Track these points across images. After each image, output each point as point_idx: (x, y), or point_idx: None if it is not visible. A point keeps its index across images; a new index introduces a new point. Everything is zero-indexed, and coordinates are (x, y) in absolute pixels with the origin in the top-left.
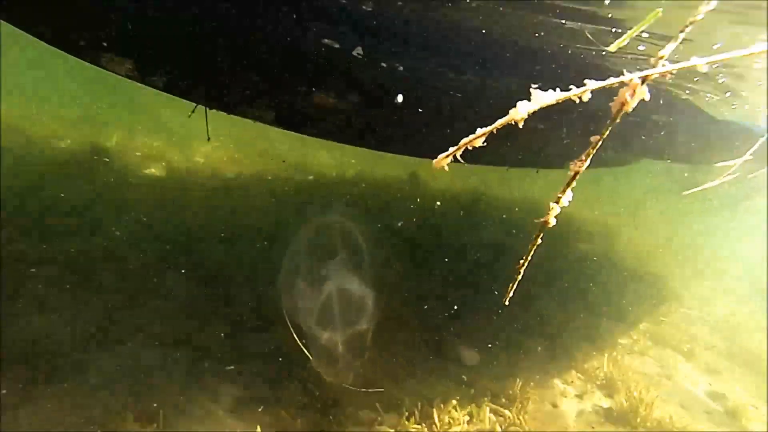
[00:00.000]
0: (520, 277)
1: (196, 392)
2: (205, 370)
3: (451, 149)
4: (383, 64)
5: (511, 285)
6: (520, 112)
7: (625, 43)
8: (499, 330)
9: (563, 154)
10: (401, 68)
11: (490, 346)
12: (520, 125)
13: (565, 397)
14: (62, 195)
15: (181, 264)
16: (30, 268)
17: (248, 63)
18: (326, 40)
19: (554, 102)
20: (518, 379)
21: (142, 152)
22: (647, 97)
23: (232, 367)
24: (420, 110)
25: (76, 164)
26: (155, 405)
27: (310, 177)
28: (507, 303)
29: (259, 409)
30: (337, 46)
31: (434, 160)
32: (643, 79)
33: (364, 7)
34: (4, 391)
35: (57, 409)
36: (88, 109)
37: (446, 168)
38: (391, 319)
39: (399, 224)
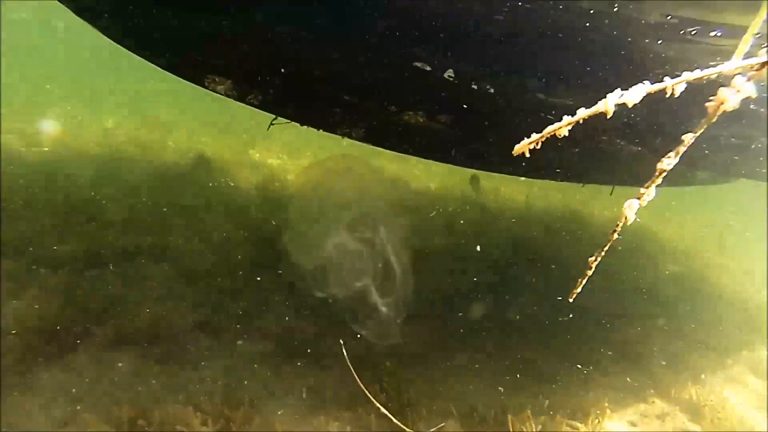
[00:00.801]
0: (590, 273)
1: (280, 385)
2: (290, 366)
3: (535, 136)
4: (474, 86)
5: (579, 281)
6: (609, 104)
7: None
8: (579, 347)
9: (641, 171)
10: (492, 90)
11: (567, 363)
12: (608, 115)
13: (645, 417)
14: (171, 200)
15: (275, 262)
16: (148, 262)
17: (340, 84)
18: (418, 64)
19: (646, 95)
20: (595, 396)
21: (242, 161)
22: (753, 94)
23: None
24: (509, 129)
25: (181, 172)
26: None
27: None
28: (571, 300)
29: (339, 407)
30: (428, 68)
31: (516, 147)
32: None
33: (455, 33)
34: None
35: (163, 386)
36: (188, 120)
37: (526, 153)
38: (470, 330)
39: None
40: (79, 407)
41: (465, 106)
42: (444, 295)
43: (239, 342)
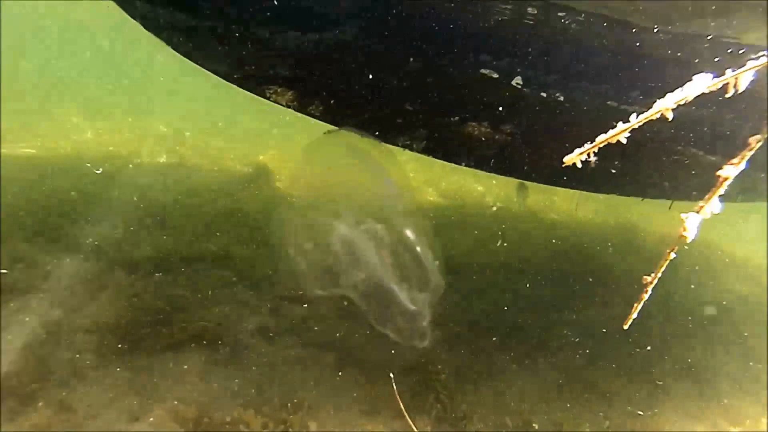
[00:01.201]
0: (645, 296)
1: (335, 392)
2: (346, 373)
3: (588, 146)
4: (543, 94)
5: (635, 305)
6: (668, 102)
7: None
8: (639, 364)
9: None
10: (561, 98)
11: (626, 380)
12: (669, 115)
13: None
14: (234, 207)
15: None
16: (212, 267)
17: (403, 93)
18: (485, 71)
19: (707, 91)
20: (658, 418)
21: (300, 169)
22: None
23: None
24: (578, 141)
25: (243, 180)
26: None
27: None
28: (626, 327)
29: (392, 416)
30: (495, 76)
31: (566, 157)
32: None
33: (525, 38)
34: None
35: (225, 388)
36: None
37: (578, 164)
38: (525, 345)
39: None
40: (148, 402)
41: (532, 115)
42: (499, 308)
43: (297, 348)
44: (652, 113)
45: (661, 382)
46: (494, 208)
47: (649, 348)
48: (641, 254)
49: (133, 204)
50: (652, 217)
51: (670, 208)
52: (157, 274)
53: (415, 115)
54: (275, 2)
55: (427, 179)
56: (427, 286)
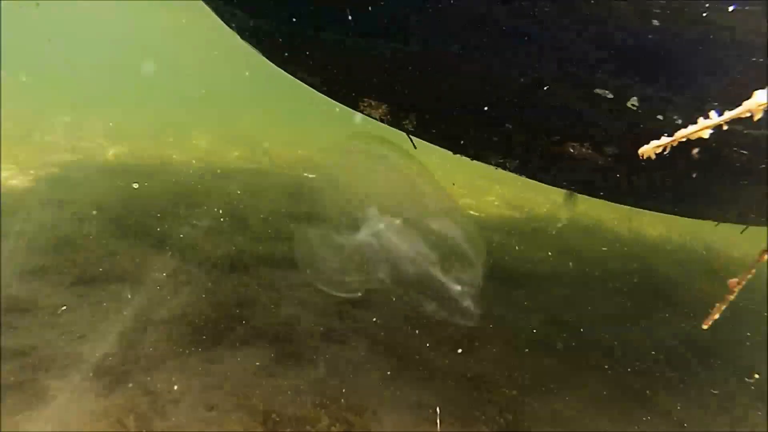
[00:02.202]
0: (731, 298)
1: (397, 396)
2: (409, 378)
3: (665, 139)
4: (659, 117)
5: (717, 306)
6: (758, 98)
7: None
8: (714, 389)
9: None
10: (679, 121)
11: (698, 406)
12: (756, 116)
13: None
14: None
15: (397, 277)
16: (282, 269)
17: (505, 111)
18: (599, 90)
19: None
20: None
21: None
22: None
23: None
24: (695, 168)
25: (317, 187)
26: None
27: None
28: (706, 327)
29: (453, 423)
30: (609, 96)
31: (643, 148)
32: None
33: (650, 56)
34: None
35: (292, 386)
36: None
37: (652, 156)
38: (591, 362)
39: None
40: (222, 393)
41: (642, 138)
42: (560, 321)
43: (362, 351)
44: (739, 111)
45: (728, 405)
46: (559, 225)
47: (720, 373)
48: (707, 273)
49: (215, 206)
50: (718, 235)
51: (742, 232)
52: (233, 274)
53: (514, 134)
54: (382, 12)
55: (488, 188)
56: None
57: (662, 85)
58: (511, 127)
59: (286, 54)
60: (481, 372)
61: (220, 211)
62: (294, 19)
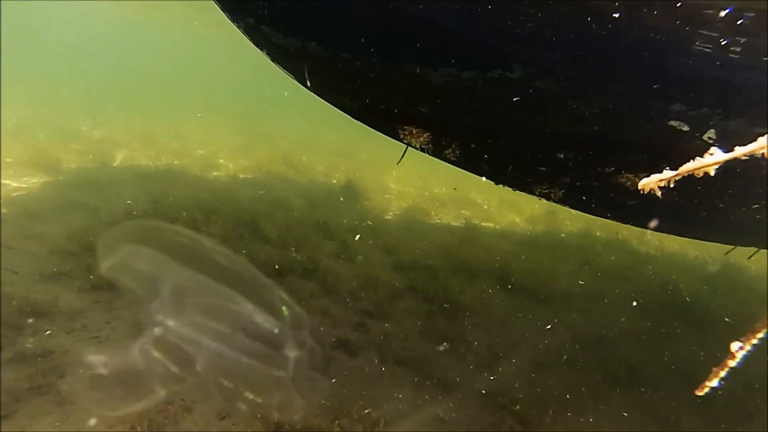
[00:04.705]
0: (732, 364)
1: (411, 408)
2: (424, 391)
3: (668, 173)
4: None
5: (714, 371)
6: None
7: None
8: (742, 417)
9: None
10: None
11: None
12: None
13: None
14: (321, 220)
15: (420, 289)
16: (299, 278)
17: (559, 140)
18: (673, 123)
19: None
20: None
21: (384, 187)
22: None
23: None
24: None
25: (330, 194)
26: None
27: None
28: (699, 394)
29: None
30: (685, 128)
31: (643, 182)
32: None
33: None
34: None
35: (301, 396)
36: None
37: (656, 190)
38: (615, 380)
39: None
40: (235, 402)
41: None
42: (584, 340)
43: (377, 363)
44: (754, 147)
45: None
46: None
47: (749, 398)
48: (731, 291)
49: (229, 213)
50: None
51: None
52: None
53: (564, 163)
54: (440, 36)
55: (510, 203)
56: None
57: (743, 119)
58: (563, 156)
59: (323, 79)
60: (502, 388)
61: (235, 217)
62: (335, 41)
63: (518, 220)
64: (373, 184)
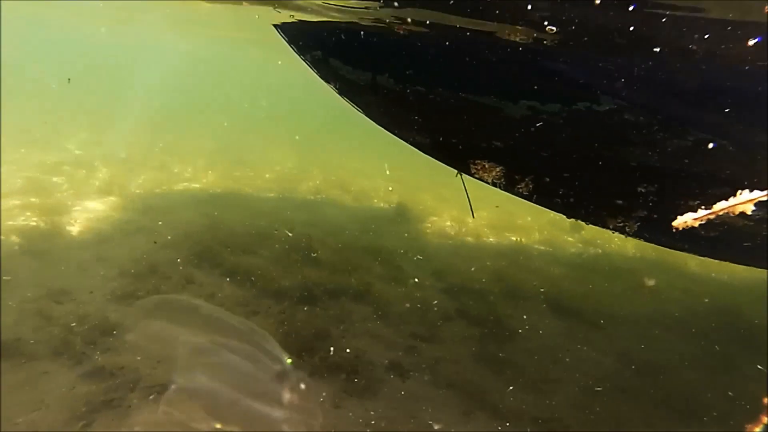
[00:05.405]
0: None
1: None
2: (476, 416)
3: (703, 212)
4: None
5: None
6: None
7: None
8: None
9: None
10: None
11: None
12: None
13: None
14: (373, 244)
15: (470, 313)
16: (351, 301)
17: (647, 173)
18: None
19: None
20: None
21: (437, 211)
22: None
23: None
24: None
25: (383, 218)
26: None
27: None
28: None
29: None
30: None
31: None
32: None
33: None
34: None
35: (358, 417)
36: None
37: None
38: (665, 407)
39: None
40: (288, 424)
41: None
42: (632, 364)
43: (428, 386)
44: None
45: None
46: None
47: None
48: None
49: (283, 237)
50: None
51: None
52: (302, 305)
53: (644, 197)
54: (523, 70)
55: (559, 224)
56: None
57: None
58: (645, 190)
59: (392, 113)
60: (552, 414)
61: (290, 240)
62: (408, 76)
63: (570, 240)
64: (424, 208)
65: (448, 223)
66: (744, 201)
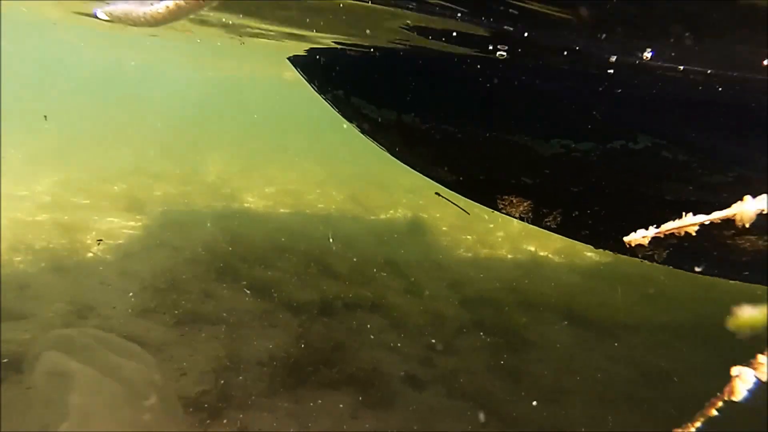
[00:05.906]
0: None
1: None
2: (491, 428)
3: (652, 230)
4: None
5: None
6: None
7: None
8: None
9: None
10: None
11: None
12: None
13: None
14: (389, 256)
15: (485, 324)
16: (367, 313)
17: (677, 205)
18: None
19: None
20: None
21: (451, 223)
22: None
23: None
24: None
25: (398, 232)
26: None
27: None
28: None
29: None
30: None
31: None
32: None
33: None
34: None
35: (375, 429)
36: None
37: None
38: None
39: None
40: None
41: None
42: (655, 376)
43: (444, 398)
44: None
45: None
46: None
47: None
48: None
49: (301, 250)
50: None
51: None
52: (319, 317)
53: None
54: (557, 108)
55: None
56: None
57: None
58: (674, 218)
59: (418, 151)
60: (567, 424)
61: (306, 254)
62: (435, 115)
63: (585, 250)
64: (439, 220)
65: (464, 235)
66: (690, 223)
